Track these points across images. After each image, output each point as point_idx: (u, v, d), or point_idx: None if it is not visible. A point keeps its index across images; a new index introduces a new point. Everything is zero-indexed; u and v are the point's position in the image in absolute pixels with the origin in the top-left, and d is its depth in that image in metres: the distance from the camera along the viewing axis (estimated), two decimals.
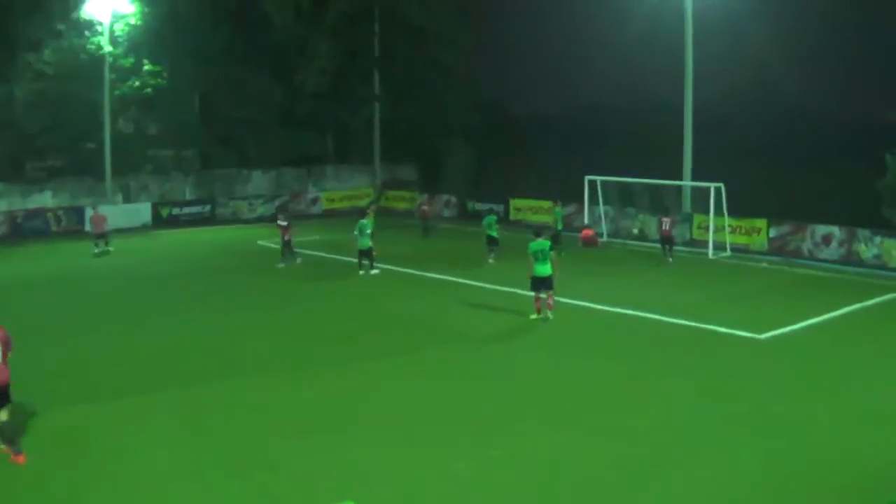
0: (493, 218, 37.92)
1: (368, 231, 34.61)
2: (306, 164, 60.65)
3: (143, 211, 51.78)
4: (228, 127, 57.65)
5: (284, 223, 36.47)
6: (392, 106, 60.69)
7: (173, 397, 19.28)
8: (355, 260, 34.94)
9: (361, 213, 37.10)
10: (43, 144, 51.48)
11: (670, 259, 37.36)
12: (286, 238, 36.38)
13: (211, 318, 27.72)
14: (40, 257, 40.28)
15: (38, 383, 19.67)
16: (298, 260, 36.78)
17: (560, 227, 40.14)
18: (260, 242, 43.70)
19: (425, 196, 52.24)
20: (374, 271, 34.54)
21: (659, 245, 38.71)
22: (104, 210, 44.15)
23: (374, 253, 34.83)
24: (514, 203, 50.60)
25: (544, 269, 26.20)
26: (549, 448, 16.26)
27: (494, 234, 37.27)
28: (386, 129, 61.31)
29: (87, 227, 44.93)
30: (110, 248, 40.75)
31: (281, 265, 36.13)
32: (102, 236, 40.85)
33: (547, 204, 47.60)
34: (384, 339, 24.62)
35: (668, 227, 37.80)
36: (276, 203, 54.21)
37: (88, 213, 46.27)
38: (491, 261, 36.76)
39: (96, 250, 40.13)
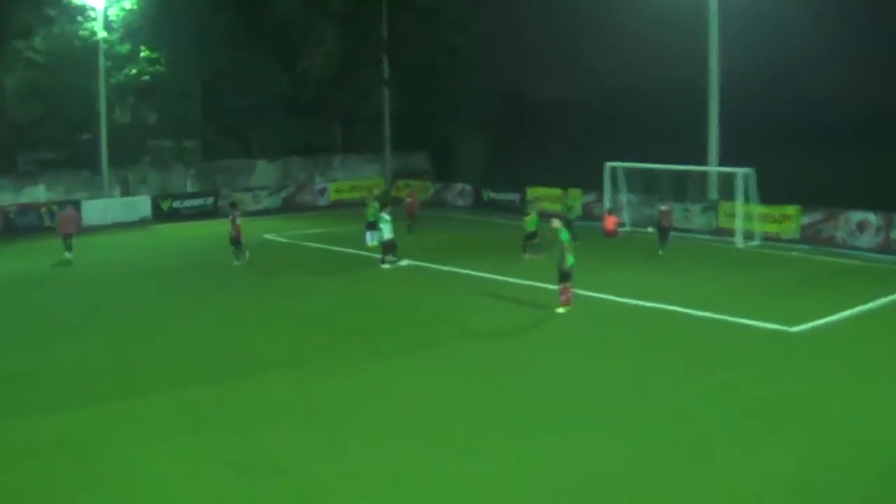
0: (536, 219, 37.29)
1: (389, 220, 34.77)
2: (313, 153, 60.71)
3: (142, 204, 51.62)
4: (231, 116, 57.53)
5: (239, 220, 36.22)
6: (402, 92, 60.46)
7: (176, 398, 19.34)
8: (365, 253, 35.04)
9: (383, 203, 37.14)
10: (35, 136, 51.49)
11: (661, 252, 37.05)
12: (236, 233, 36.08)
13: (215, 314, 27.84)
14: (33, 254, 40.28)
15: (32, 386, 19.85)
16: (246, 255, 36.26)
17: (573, 216, 39.70)
18: (266, 236, 43.70)
19: (410, 190, 52.09)
20: (389, 265, 34.69)
21: (682, 234, 38.52)
22: (92, 207, 43.72)
23: (397, 245, 34.98)
24: (532, 192, 50.52)
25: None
26: (571, 446, 16.28)
27: (534, 228, 36.64)
28: (396, 116, 61.06)
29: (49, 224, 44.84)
30: (70, 256, 37.65)
31: (237, 263, 35.88)
32: (69, 237, 38.16)
33: (574, 192, 47.50)
34: (398, 335, 24.71)
35: (663, 218, 37.90)
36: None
37: (83, 205, 46.28)
38: (531, 256, 36.02)
39: (67, 255, 37.65)
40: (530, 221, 36.63)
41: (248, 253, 36.36)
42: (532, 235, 36.31)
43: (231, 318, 27.34)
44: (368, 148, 62.58)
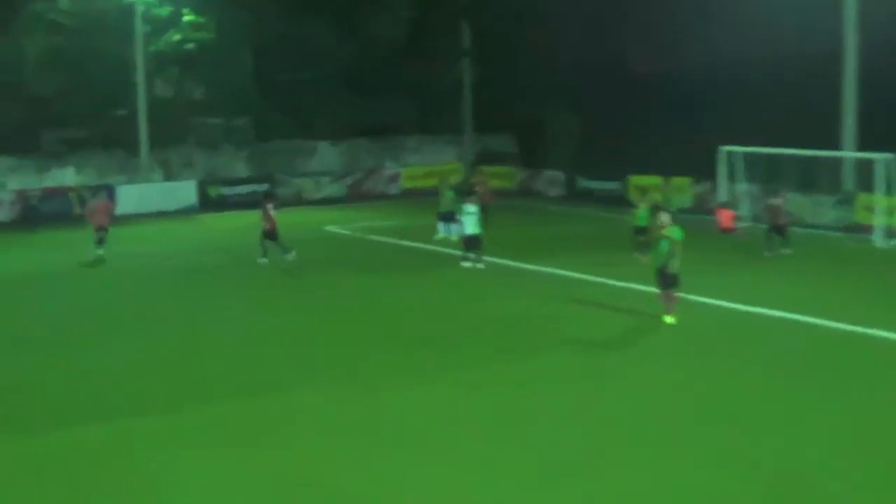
0: (647, 212, 36.66)
1: (473, 212, 34.60)
2: (382, 135, 60.95)
3: (186, 191, 52.19)
4: (288, 90, 57.40)
5: (272, 211, 36.26)
6: (484, 64, 60.64)
7: (211, 413, 19.22)
8: (443, 249, 35.08)
9: (467, 192, 36.91)
10: (62, 111, 51.81)
11: (769, 254, 36.22)
12: (270, 227, 36.12)
13: (265, 318, 27.85)
14: (60, 245, 40.59)
15: (48, 397, 19.93)
16: (292, 255, 36.21)
17: (672, 208, 38.84)
18: (328, 228, 44.02)
19: (479, 176, 51.14)
20: (470, 264, 34.53)
21: (810, 231, 37.81)
22: (127, 193, 44.01)
23: (481, 242, 34.78)
24: (634, 180, 50.18)
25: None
26: (671, 479, 15.73)
27: (645, 222, 36.04)
28: (478, 91, 61.23)
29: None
30: (101, 253, 36.99)
31: (263, 260, 35.84)
32: (102, 230, 37.45)
33: (683, 181, 47.54)
34: (475, 346, 24.47)
35: (774, 214, 37.03)
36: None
37: (118, 191, 46.48)
38: (640, 255, 34.40)
39: (99, 251, 37.05)
40: (641, 215, 35.86)
41: (293, 251, 36.23)
42: (642, 231, 35.57)
43: (283, 322, 27.33)
44: (446, 129, 62.72)
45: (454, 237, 38.34)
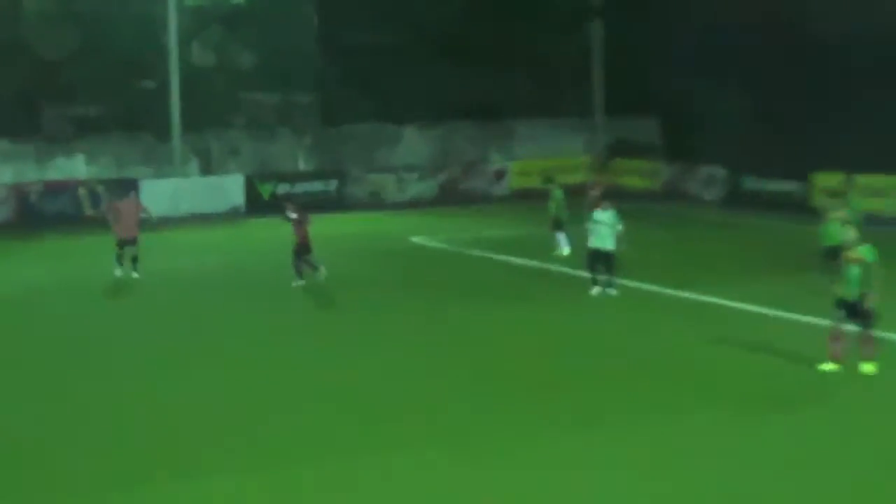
0: (839, 226, 36.19)
1: (609, 224, 34.01)
2: (486, 117, 60.90)
3: (231, 188, 52.65)
4: (365, 58, 57.25)
5: (294, 215, 36.25)
6: (620, 28, 60.68)
7: (270, 480, 19.01)
8: (565, 269, 35.09)
9: (598, 197, 36.65)
10: (70, 81, 52.29)
11: None
12: (301, 239, 36.19)
13: (332, 357, 27.60)
14: (66, 255, 41.23)
15: (50, 454, 19.88)
16: (321, 272, 36.29)
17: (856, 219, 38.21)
18: (414, 240, 44.32)
19: (593, 179, 50.77)
20: (602, 290, 34.22)
21: None
22: (155, 189, 44.69)
23: (616, 261, 34.43)
24: (820, 179, 49.86)
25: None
26: None
27: (837, 241, 35.52)
28: (611, 62, 61.21)
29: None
30: (136, 274, 36.88)
31: (299, 282, 35.94)
32: (130, 244, 36.99)
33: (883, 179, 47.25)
34: (607, 396, 23.87)
35: None
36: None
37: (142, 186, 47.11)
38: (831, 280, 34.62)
39: (118, 272, 37.07)
40: (831, 230, 35.12)
41: (322, 271, 36.30)
42: (834, 252, 35.01)
43: (355, 361, 26.97)
44: (570, 110, 62.54)
45: (565, 252, 38.88)
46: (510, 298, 34.22)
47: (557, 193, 40.46)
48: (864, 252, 25.21)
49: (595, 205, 38.38)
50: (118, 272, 36.63)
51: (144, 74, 53.24)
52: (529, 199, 53.98)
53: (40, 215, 47.81)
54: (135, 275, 36.57)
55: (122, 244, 36.79)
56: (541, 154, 60.04)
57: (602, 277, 34.25)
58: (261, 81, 57.14)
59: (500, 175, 58.47)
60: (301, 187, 53.44)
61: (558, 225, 39.97)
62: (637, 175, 58.00)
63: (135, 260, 36.68)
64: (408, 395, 24.57)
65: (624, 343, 28.67)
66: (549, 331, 30.19)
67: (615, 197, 43.76)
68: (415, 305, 33.51)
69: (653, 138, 62.41)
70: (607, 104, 61.92)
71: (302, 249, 36.03)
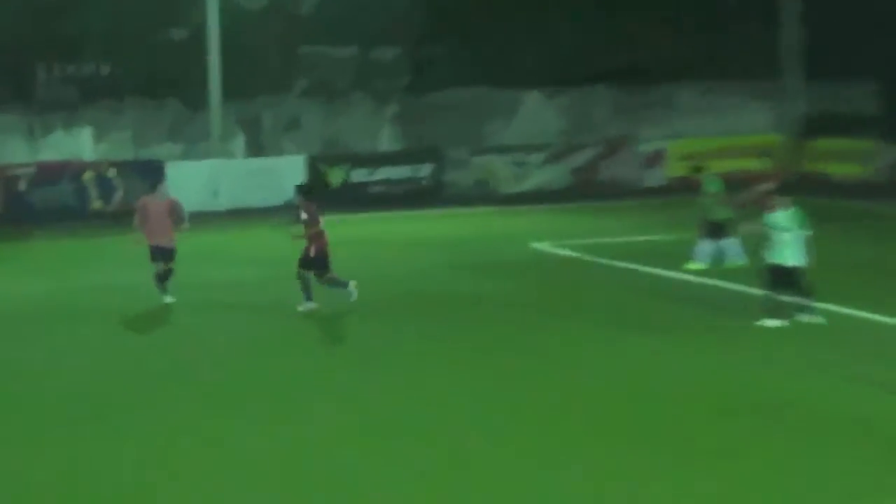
0: None
1: (793, 229, 31.84)
2: (631, 81, 60.56)
3: (288, 173, 52.05)
4: (467, 3, 57.35)
5: (306, 216, 34.63)
6: None
7: None
8: (748, 289, 33.60)
9: (771, 193, 35.09)
10: (73, 33, 52.30)
11: None
12: (318, 248, 34.65)
13: (414, 400, 25.94)
14: (64, 264, 41.61)
15: None
16: (352, 287, 35.13)
17: None
18: (536, 245, 44.42)
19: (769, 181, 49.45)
20: (778, 323, 31.97)
21: None
22: (187, 174, 46.36)
23: (803, 279, 31.85)
24: None
25: None
26: None
27: None
28: (808, 9, 60.10)
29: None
30: (168, 298, 35.40)
31: (309, 305, 34.83)
32: (167, 255, 35.15)
33: None
34: (791, 470, 20.93)
35: None
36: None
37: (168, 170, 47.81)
38: None
39: (167, 298, 35.55)
40: None
41: (353, 287, 34.83)
42: None
43: (450, 402, 25.49)
44: (750, 73, 61.53)
45: (705, 263, 38.79)
46: (655, 324, 32.48)
47: (712, 186, 39.65)
48: None
49: (767, 204, 37.27)
50: (167, 298, 35.22)
51: (172, 21, 53.28)
52: (694, 191, 53.38)
53: (31, 209, 48.32)
54: (168, 299, 35.01)
55: (155, 253, 35.21)
56: (710, 131, 59.98)
57: (780, 299, 32.13)
58: (327, 33, 57.15)
59: (653, 160, 58.60)
60: (383, 173, 54.92)
61: (716, 230, 39.08)
62: (842, 160, 57.03)
63: (165, 278, 35.18)
64: (535, 448, 22.39)
65: (815, 392, 26.26)
66: (699, 368, 28.59)
67: (815, 190, 42.99)
68: (535, 341, 31.15)
69: (865, 110, 61.61)
70: (804, 64, 61.37)
71: (319, 263, 34.82)
